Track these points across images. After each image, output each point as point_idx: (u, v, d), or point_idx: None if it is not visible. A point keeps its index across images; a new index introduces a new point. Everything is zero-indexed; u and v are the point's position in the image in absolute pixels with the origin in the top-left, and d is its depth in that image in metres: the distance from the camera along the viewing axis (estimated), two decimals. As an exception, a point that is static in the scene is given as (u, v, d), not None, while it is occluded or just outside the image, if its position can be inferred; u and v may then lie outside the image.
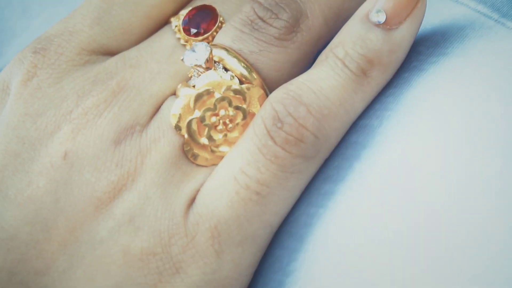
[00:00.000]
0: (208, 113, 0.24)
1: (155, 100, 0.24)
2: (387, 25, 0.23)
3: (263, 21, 0.24)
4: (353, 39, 0.23)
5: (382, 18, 0.23)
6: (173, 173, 0.23)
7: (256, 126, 0.23)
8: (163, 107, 0.24)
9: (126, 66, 0.24)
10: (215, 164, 0.24)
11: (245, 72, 0.24)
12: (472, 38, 0.24)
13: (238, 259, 0.22)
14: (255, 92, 0.24)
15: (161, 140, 0.23)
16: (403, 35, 0.23)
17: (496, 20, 0.24)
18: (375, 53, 0.23)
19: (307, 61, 0.25)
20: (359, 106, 0.23)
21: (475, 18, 0.24)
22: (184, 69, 0.25)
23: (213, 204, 0.22)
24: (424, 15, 0.24)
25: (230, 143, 0.24)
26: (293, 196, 0.23)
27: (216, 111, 0.24)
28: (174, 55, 0.25)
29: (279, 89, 0.23)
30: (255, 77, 0.24)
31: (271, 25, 0.24)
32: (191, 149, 0.23)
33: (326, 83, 0.23)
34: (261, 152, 0.22)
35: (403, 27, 0.23)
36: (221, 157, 0.24)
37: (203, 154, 0.24)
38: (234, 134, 0.24)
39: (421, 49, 0.24)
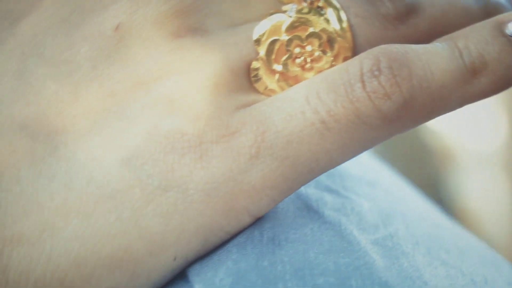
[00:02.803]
0: (297, 41, 0.23)
1: (222, 17, 0.23)
2: None
3: None
4: (478, 38, 0.22)
5: None
6: (230, 79, 0.22)
7: (351, 65, 0.21)
8: (241, 26, 0.23)
9: None
10: (267, 96, 0.22)
11: (340, 28, 0.23)
12: None
13: (269, 172, 0.21)
14: (344, 50, 0.23)
15: (229, 46, 0.22)
16: None
17: None
18: (493, 60, 0.22)
19: None
20: (453, 104, 0.22)
21: None
22: (258, 8, 0.23)
23: (271, 112, 0.21)
24: None
25: (298, 82, 0.23)
26: (349, 150, 0.21)
27: (304, 44, 0.23)
28: None
29: (388, 44, 0.22)
30: (349, 38, 0.23)
31: (383, 3, 0.23)
32: (258, 68, 0.23)
33: (437, 60, 0.22)
34: (345, 88, 0.21)
35: None
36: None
37: (266, 80, 0.23)
38: (308, 75, 0.23)
39: None
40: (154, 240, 0.20)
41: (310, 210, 0.23)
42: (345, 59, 0.23)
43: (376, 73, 0.21)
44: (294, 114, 0.21)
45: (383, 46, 0.22)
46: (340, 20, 0.23)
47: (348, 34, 0.23)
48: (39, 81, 0.22)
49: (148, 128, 0.21)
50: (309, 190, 0.24)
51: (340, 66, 0.22)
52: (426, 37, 0.23)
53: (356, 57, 0.22)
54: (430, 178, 1.52)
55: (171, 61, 0.22)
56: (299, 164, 0.21)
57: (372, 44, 0.23)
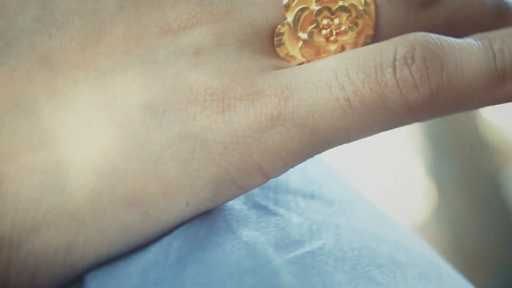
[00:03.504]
0: (326, 12, 0.23)
1: None
2: None
3: None
4: None
5: None
6: (254, 40, 0.22)
7: (385, 48, 0.21)
8: None
9: None
10: (286, 62, 0.23)
11: (365, 3, 0.23)
12: None
13: (287, 136, 0.21)
14: (368, 28, 0.23)
15: (256, 7, 0.22)
16: None
17: None
18: None
19: None
20: (476, 104, 0.22)
21: None
22: None
23: (297, 80, 0.21)
24: None
25: (319, 54, 0.23)
26: (368, 131, 0.22)
27: (333, 16, 0.23)
28: None
29: (425, 33, 0.22)
30: (373, 16, 0.23)
31: None
32: (283, 33, 0.23)
33: (469, 59, 0.21)
34: (375, 71, 0.21)
35: None
36: (298, 63, 0.23)
37: (289, 46, 0.23)
38: (331, 47, 0.23)
39: None
40: (169, 183, 0.21)
41: (228, 230, 0.22)
42: (367, 37, 0.23)
43: (409, 61, 0.21)
44: (320, 86, 0.21)
45: (420, 33, 0.21)
46: None
47: (373, 12, 0.23)
48: (63, 15, 0.21)
49: (172, 76, 0.21)
50: (236, 206, 0.23)
51: (374, 46, 0.22)
52: (442, 27, 0.23)
53: (392, 41, 0.22)
54: (490, 174, 1.48)
55: (199, 13, 0.22)
56: (317, 134, 0.21)
57: (393, 26, 0.23)
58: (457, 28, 0.23)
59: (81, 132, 0.20)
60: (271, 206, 0.24)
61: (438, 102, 0.21)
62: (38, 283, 0.20)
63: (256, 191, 0.24)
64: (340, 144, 0.22)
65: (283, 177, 0.26)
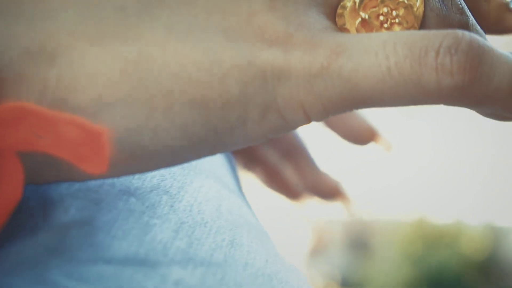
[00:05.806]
0: (389, 2, 0.26)
1: None
2: None
3: (457, 8, 0.26)
4: None
5: None
6: (320, 3, 0.25)
7: (434, 35, 0.24)
8: None
9: None
10: (340, 31, 0.25)
11: (417, 8, 0.26)
12: None
13: (331, 86, 0.23)
14: (413, 29, 0.26)
15: None
16: None
17: None
18: None
19: None
20: (497, 104, 0.24)
21: None
22: None
23: (350, 42, 0.24)
24: None
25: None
26: (399, 100, 0.24)
27: (392, 7, 0.26)
28: None
29: (473, 33, 0.24)
30: (419, 22, 0.26)
31: (455, 12, 0.26)
32: (346, 7, 0.26)
33: (503, 67, 0.24)
34: (420, 51, 0.23)
35: None
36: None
37: (347, 20, 0.25)
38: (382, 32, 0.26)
39: None
40: (228, 98, 0.23)
41: None
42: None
43: (453, 51, 0.23)
44: (368, 50, 0.23)
45: (468, 32, 0.24)
46: (420, 4, 0.26)
47: (421, 17, 0.26)
48: None
49: (248, 13, 0.24)
50: (20, 283, 0.22)
51: (425, 31, 0.24)
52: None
53: (442, 31, 0.24)
54: None
55: None
56: (355, 91, 0.23)
57: None
58: None
59: (162, 36, 0.23)
60: (63, 280, 0.22)
61: (466, 93, 0.23)
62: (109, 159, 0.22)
63: (55, 262, 0.23)
64: (373, 106, 0.24)
65: (108, 241, 0.24)
